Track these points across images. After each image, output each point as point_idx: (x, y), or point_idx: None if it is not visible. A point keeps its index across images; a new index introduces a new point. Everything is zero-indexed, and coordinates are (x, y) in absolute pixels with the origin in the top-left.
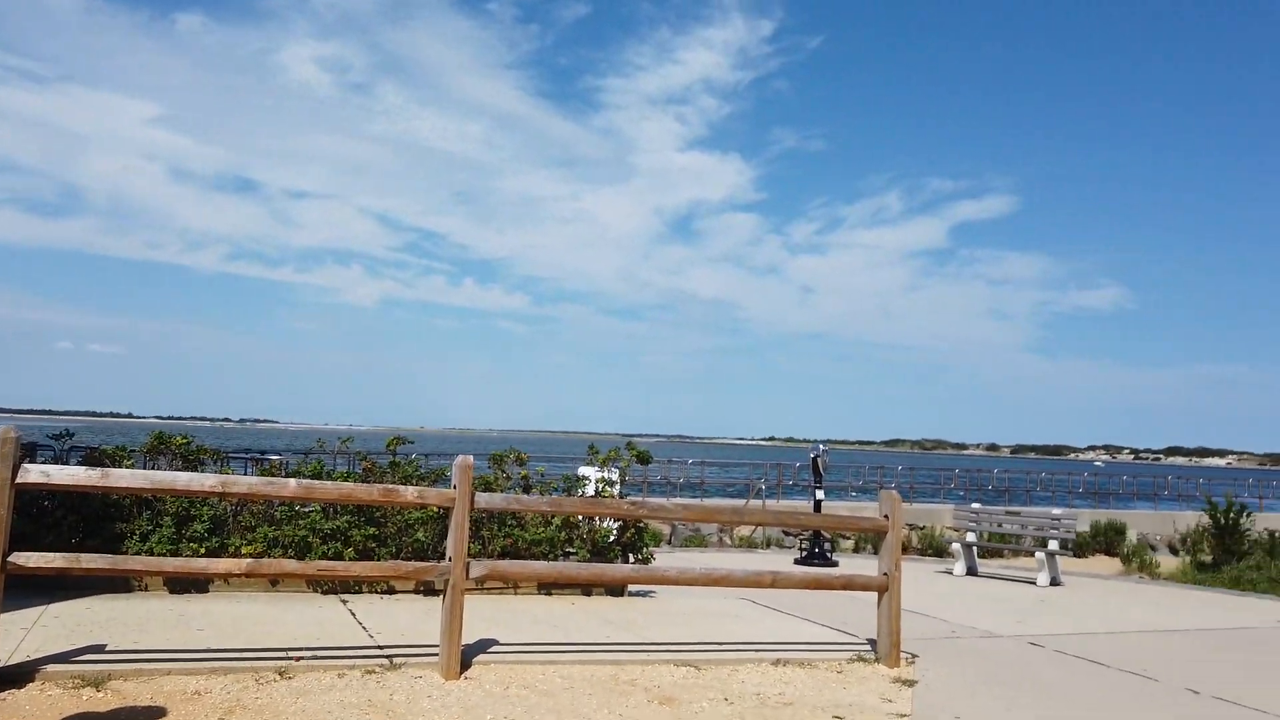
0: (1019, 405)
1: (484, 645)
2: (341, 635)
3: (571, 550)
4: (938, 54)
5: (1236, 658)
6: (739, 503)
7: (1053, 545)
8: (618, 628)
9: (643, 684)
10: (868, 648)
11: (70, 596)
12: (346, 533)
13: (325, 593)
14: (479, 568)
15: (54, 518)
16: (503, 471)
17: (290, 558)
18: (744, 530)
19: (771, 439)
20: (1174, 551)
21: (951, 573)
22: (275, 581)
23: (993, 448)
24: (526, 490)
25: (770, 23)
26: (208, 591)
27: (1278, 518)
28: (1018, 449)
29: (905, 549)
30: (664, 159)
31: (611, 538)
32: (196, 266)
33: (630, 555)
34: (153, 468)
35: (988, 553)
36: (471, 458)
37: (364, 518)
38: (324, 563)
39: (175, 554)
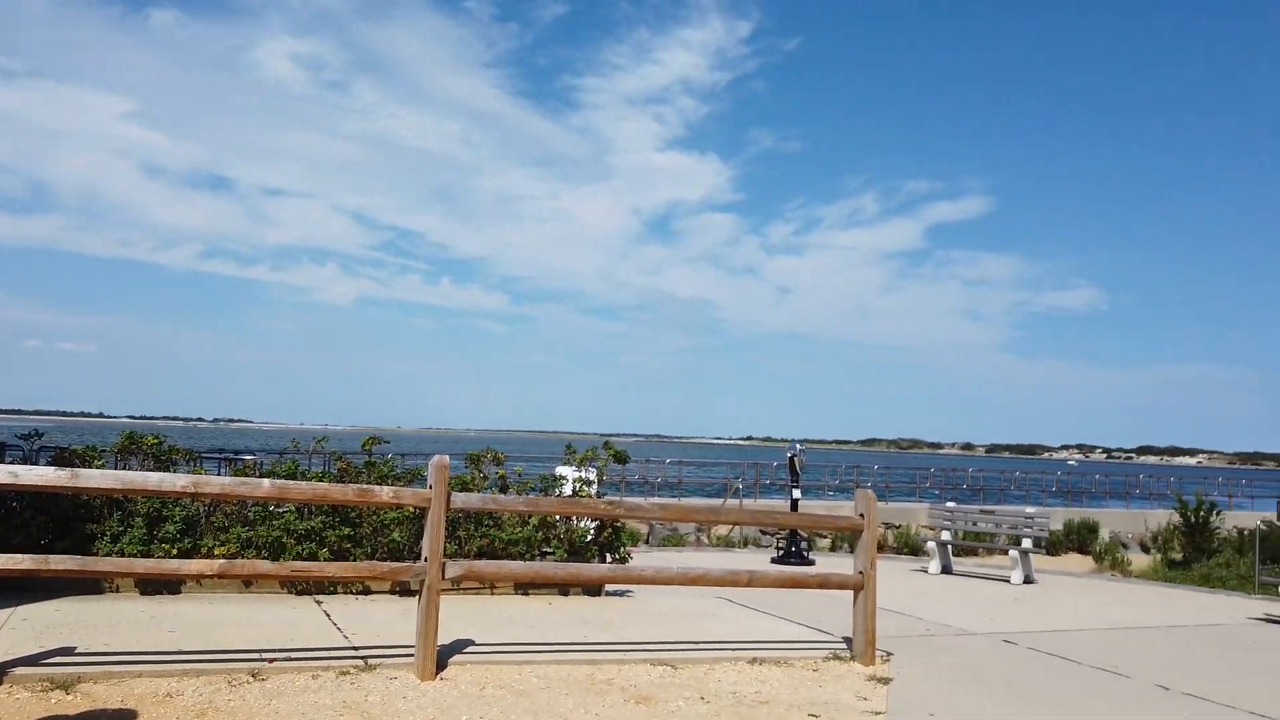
0: (994, 405)
1: (460, 645)
2: (316, 636)
3: (549, 550)
4: (914, 57)
5: (1206, 654)
6: (716, 502)
7: (1026, 544)
8: (595, 627)
9: (619, 683)
10: (843, 646)
11: (39, 598)
12: (321, 533)
13: (300, 593)
14: (455, 568)
15: (22, 518)
16: (480, 471)
17: (264, 558)
18: (721, 530)
19: (749, 438)
20: (1145, 549)
21: (927, 571)
22: (249, 583)
23: (968, 447)
24: (504, 490)
25: (748, 24)
26: (180, 593)
27: (1247, 516)
28: (993, 448)
29: (881, 548)
30: (642, 159)
31: (589, 537)
32: (169, 264)
33: (608, 555)
34: (124, 468)
35: (962, 551)
36: (448, 457)
37: (339, 518)
38: (298, 563)
39: (147, 555)
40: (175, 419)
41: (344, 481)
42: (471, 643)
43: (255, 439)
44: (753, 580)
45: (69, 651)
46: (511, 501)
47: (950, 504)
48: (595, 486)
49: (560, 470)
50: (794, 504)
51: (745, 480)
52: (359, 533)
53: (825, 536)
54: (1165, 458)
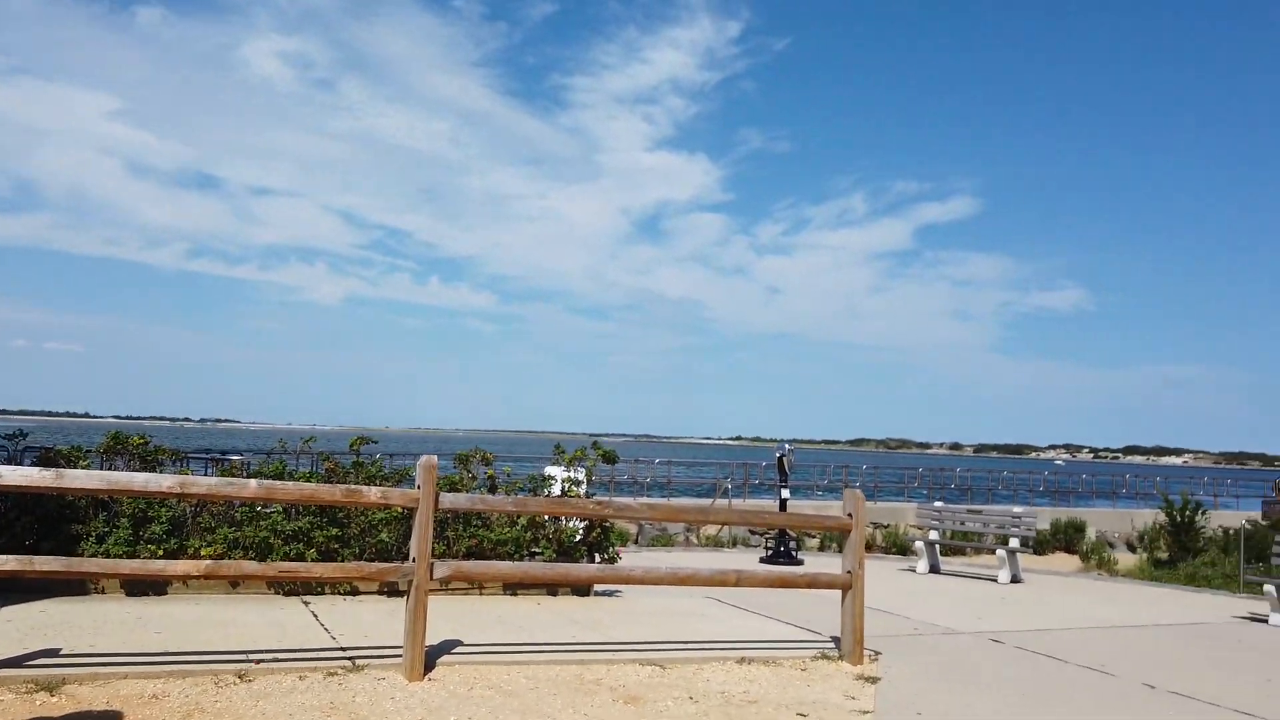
0: (982, 405)
1: (448, 646)
2: (303, 637)
3: (537, 550)
4: (903, 57)
5: (1193, 653)
6: (705, 502)
7: (1014, 543)
8: (583, 627)
9: (608, 683)
10: (832, 645)
11: (24, 599)
12: (309, 534)
13: (287, 594)
14: (443, 568)
15: (7, 519)
16: (468, 471)
17: (251, 559)
18: (710, 529)
19: (738, 438)
20: (1132, 549)
21: (915, 570)
22: (236, 583)
23: (956, 447)
24: (492, 490)
25: (737, 24)
26: (166, 594)
27: (1232, 515)
28: (980, 448)
29: (869, 547)
30: (631, 159)
31: (578, 537)
32: (156, 264)
33: (596, 555)
34: (109, 468)
35: (950, 550)
36: (436, 458)
37: (327, 518)
38: (285, 564)
39: (132, 556)
40: (162, 419)
41: (332, 482)
42: (460, 643)
43: (242, 439)
44: (741, 580)
45: (54, 653)
46: (500, 502)
47: (938, 504)
48: (584, 486)
49: (549, 470)
50: (783, 504)
51: (734, 480)
52: (347, 533)
53: (814, 536)
54: (1151, 458)
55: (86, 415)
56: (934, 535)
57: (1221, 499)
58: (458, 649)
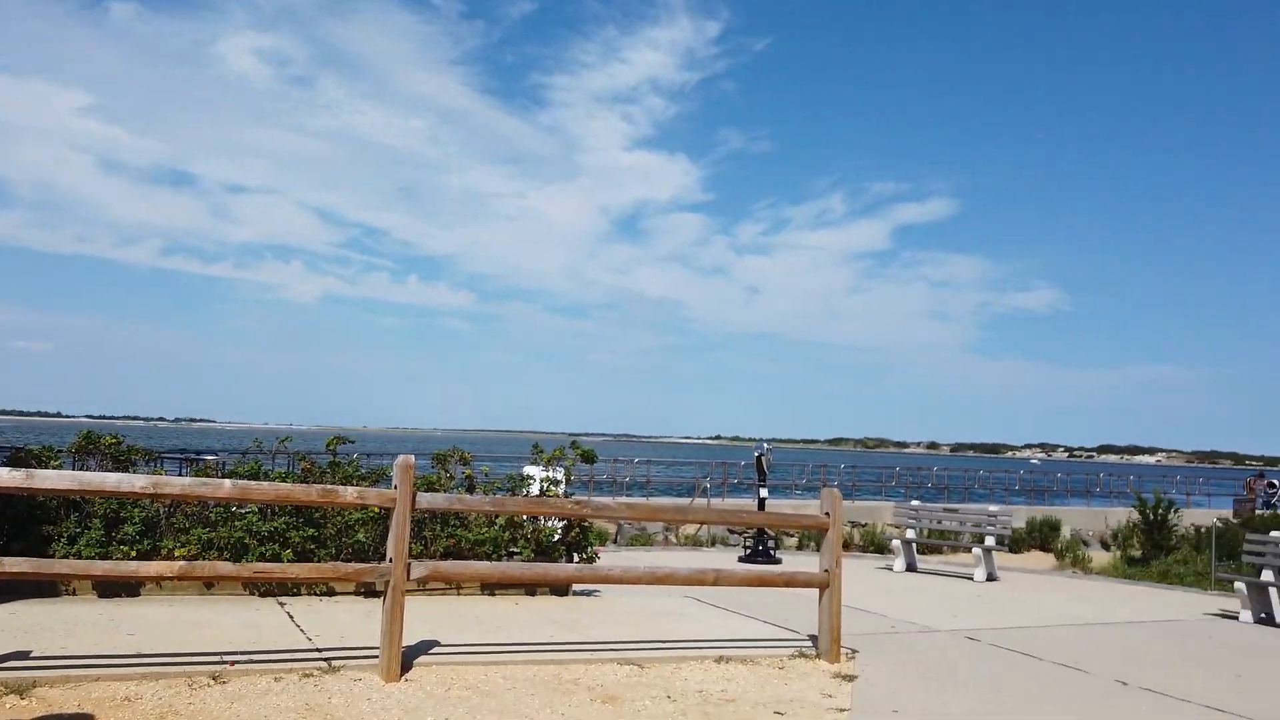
0: (959, 404)
1: (426, 646)
2: (279, 638)
3: (516, 550)
4: (881, 59)
5: (1165, 649)
6: (684, 501)
7: (989, 541)
8: (561, 627)
9: (586, 683)
10: (809, 644)
11: None
12: (285, 534)
13: (263, 595)
14: (420, 569)
15: None
16: (446, 471)
17: (226, 560)
18: (689, 529)
19: (718, 438)
20: (1106, 547)
21: (892, 569)
22: (210, 585)
23: (933, 446)
24: (470, 490)
25: (717, 24)
26: (139, 595)
27: (1204, 514)
28: (957, 447)
29: (847, 546)
30: (611, 158)
31: (556, 537)
32: (130, 261)
33: (575, 555)
34: (81, 468)
35: (927, 549)
36: (413, 457)
37: (303, 519)
38: (261, 565)
39: (105, 557)
40: (135, 419)
41: (308, 482)
42: (437, 643)
43: (218, 439)
44: (719, 579)
45: (24, 655)
46: (478, 501)
47: (915, 502)
48: (563, 486)
49: (527, 470)
50: (761, 503)
51: (713, 480)
52: (323, 533)
53: (793, 535)
54: (1125, 456)
55: (59, 415)
56: (911, 534)
57: (1194, 497)
58: (435, 649)
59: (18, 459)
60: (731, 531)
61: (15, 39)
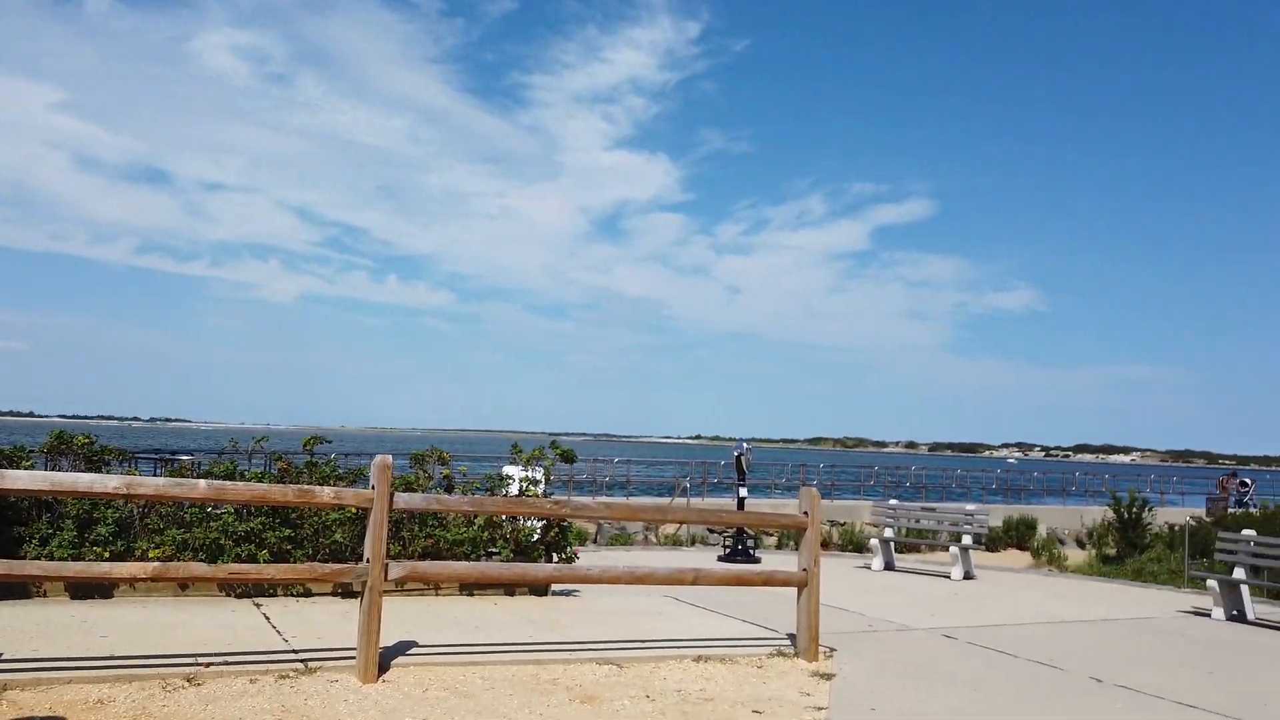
0: (937, 404)
1: (403, 647)
2: (254, 640)
3: (495, 550)
4: (860, 60)
5: (1139, 647)
6: (663, 501)
7: (967, 540)
8: (540, 627)
9: (564, 683)
10: (787, 643)
11: None
12: (261, 535)
13: (239, 596)
14: (398, 569)
15: None
16: (424, 471)
17: (201, 561)
18: (669, 528)
19: (698, 437)
20: (1081, 545)
21: (870, 568)
22: (185, 586)
23: (911, 445)
24: (449, 490)
25: (697, 25)
26: (112, 597)
27: (1178, 512)
28: (935, 446)
29: (826, 545)
30: (591, 158)
31: (535, 537)
32: (104, 260)
33: (554, 555)
34: (54, 469)
35: (905, 548)
36: (390, 457)
37: (279, 519)
38: (236, 566)
39: (77, 558)
40: (110, 418)
41: (284, 482)
42: (415, 644)
43: (193, 439)
44: (699, 579)
45: None
46: (456, 502)
47: (893, 501)
48: (542, 486)
49: (506, 470)
50: (740, 502)
51: (693, 479)
52: (300, 534)
53: (772, 534)
54: (1101, 456)
55: (31, 414)
56: (889, 533)
57: (1168, 496)
58: (413, 650)
59: None
60: (711, 531)
61: None
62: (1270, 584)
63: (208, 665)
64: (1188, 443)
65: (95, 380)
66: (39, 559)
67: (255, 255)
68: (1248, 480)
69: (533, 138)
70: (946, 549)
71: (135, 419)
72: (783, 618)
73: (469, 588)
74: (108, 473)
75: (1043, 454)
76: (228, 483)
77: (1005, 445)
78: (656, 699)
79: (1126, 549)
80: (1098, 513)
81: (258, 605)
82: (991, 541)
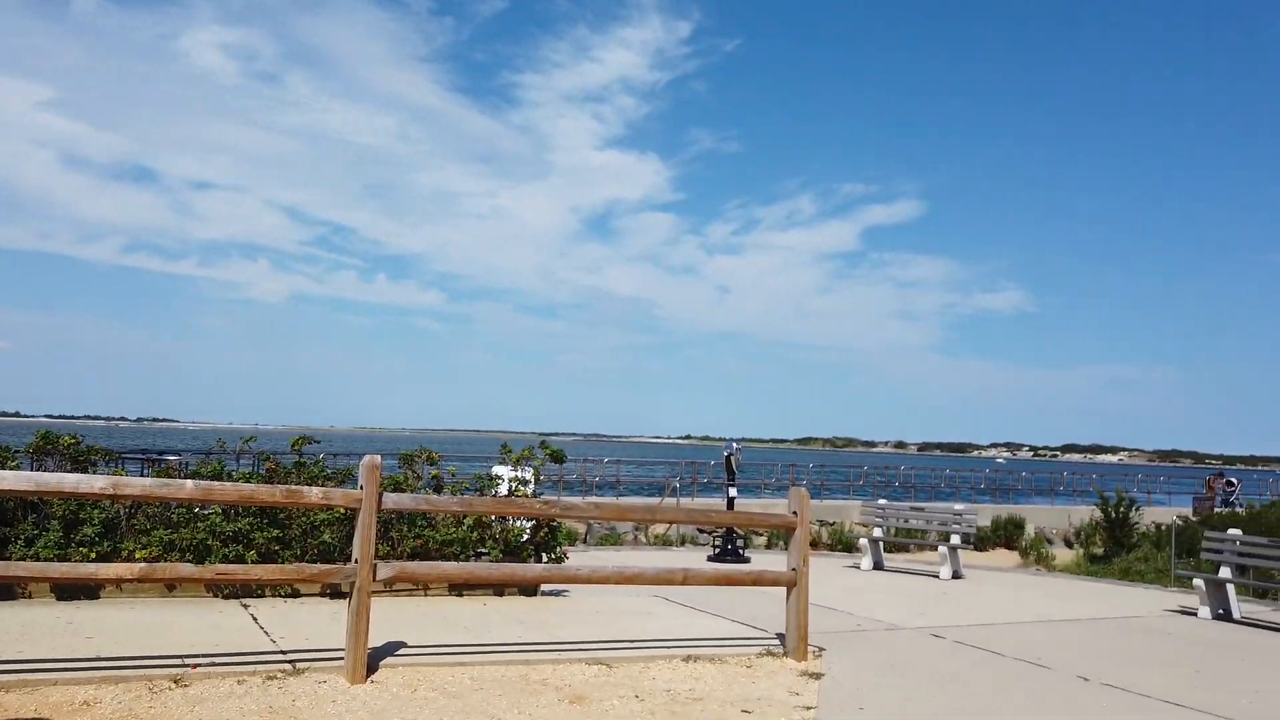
0: (926, 404)
1: (392, 648)
2: (242, 641)
3: (484, 550)
4: (850, 61)
5: (1125, 645)
6: (653, 501)
7: (955, 540)
8: (529, 628)
9: (554, 683)
10: (776, 642)
11: None
12: (248, 535)
13: (226, 597)
14: (386, 569)
15: None
16: (413, 471)
17: (188, 561)
18: (658, 528)
19: (688, 437)
20: (1069, 544)
21: (859, 567)
22: (172, 587)
23: (900, 445)
24: (438, 490)
25: (687, 24)
26: (99, 598)
27: (1164, 511)
28: (924, 446)
29: (815, 545)
30: (581, 157)
31: (524, 537)
32: (91, 259)
33: (544, 555)
34: (39, 469)
35: (894, 547)
36: (379, 457)
37: (267, 520)
38: (223, 566)
39: (63, 559)
40: (96, 419)
41: (272, 482)
42: (404, 645)
43: (181, 439)
44: (688, 578)
45: None
46: (445, 502)
47: (882, 501)
48: (531, 486)
49: (496, 470)
50: (730, 502)
51: (683, 479)
52: (288, 534)
53: (762, 534)
54: (1088, 455)
55: (17, 414)
56: (878, 532)
57: (1155, 496)
58: (401, 651)
59: None
60: (701, 531)
61: None
62: (1256, 583)
63: (195, 667)
64: (1174, 443)
65: (82, 380)
66: (24, 560)
67: (244, 254)
68: (1234, 480)
69: (523, 137)
70: (935, 548)
71: (122, 419)
72: (772, 617)
73: (458, 588)
74: (94, 473)
75: (1031, 454)
76: (215, 483)
77: (994, 445)
78: (646, 699)
79: (1114, 548)
80: (1085, 512)
81: (245, 606)
82: (980, 541)
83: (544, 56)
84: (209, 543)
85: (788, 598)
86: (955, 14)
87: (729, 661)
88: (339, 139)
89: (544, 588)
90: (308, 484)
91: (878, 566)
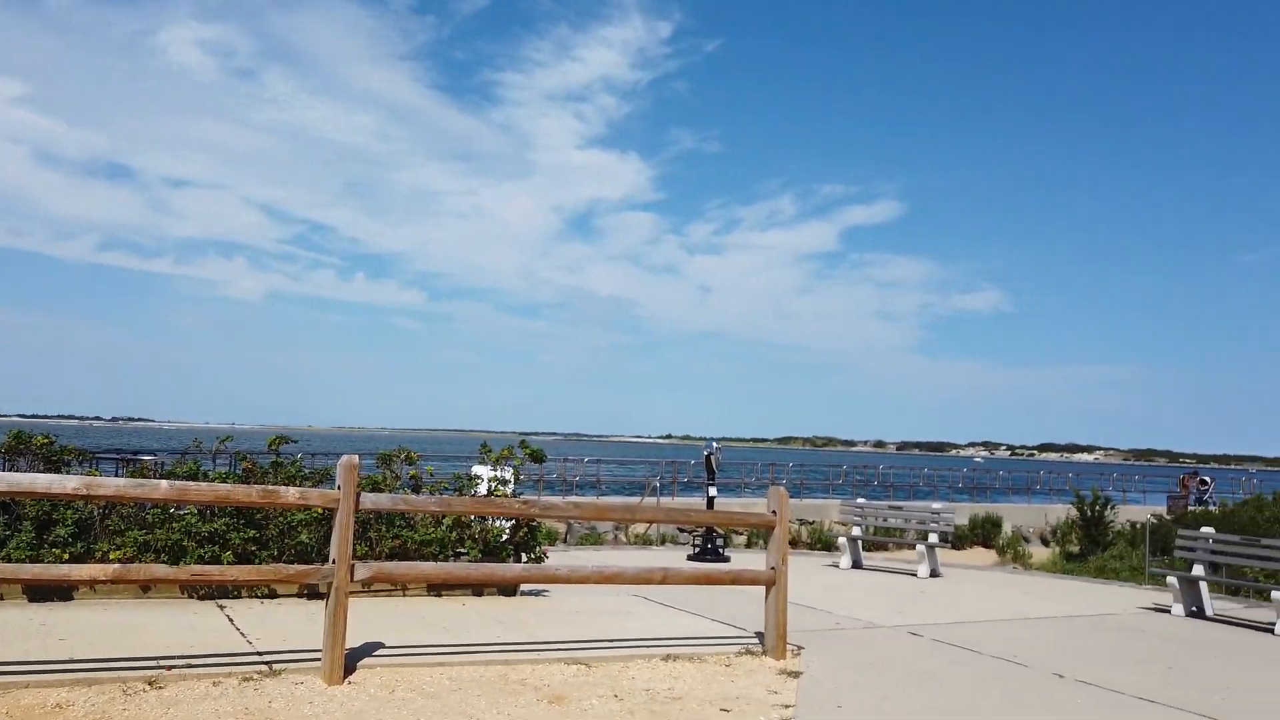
0: (905, 403)
1: (370, 649)
2: (218, 642)
3: (463, 550)
4: (830, 62)
5: (1100, 643)
6: (632, 500)
7: (933, 538)
8: (508, 628)
9: (533, 683)
10: (755, 641)
11: None
12: (225, 536)
13: (202, 598)
14: (364, 570)
15: None
16: (391, 471)
17: (163, 563)
18: (639, 528)
19: (669, 437)
20: (1045, 543)
21: (838, 566)
22: (147, 588)
23: (880, 444)
24: (416, 490)
25: (668, 24)
26: (72, 599)
27: (1139, 510)
28: (903, 445)
29: (795, 544)
30: (563, 156)
31: (504, 537)
32: (65, 256)
33: (523, 555)
34: (11, 469)
35: (873, 546)
36: (357, 457)
37: (244, 520)
38: (199, 567)
39: (35, 560)
40: (70, 418)
41: (249, 482)
42: (381, 645)
43: (156, 438)
44: (667, 578)
45: None
46: (423, 501)
47: (861, 500)
48: (511, 486)
49: (475, 469)
50: (710, 501)
51: (663, 478)
52: (265, 535)
53: (742, 534)
54: (1065, 454)
55: None
56: (857, 531)
57: (1130, 494)
58: (379, 651)
59: None
60: (681, 530)
61: None
62: (1229, 580)
63: (170, 668)
64: (1149, 442)
65: (55, 379)
66: None
67: (220, 253)
68: (1208, 479)
69: (504, 136)
70: (913, 547)
71: (97, 418)
72: (751, 616)
73: (437, 588)
74: (67, 473)
75: (1009, 453)
76: (190, 483)
77: (972, 444)
78: (625, 698)
79: (1089, 546)
80: (1061, 511)
81: (221, 607)
82: (958, 539)
83: (525, 55)
84: (184, 543)
85: (767, 596)
86: (935, 16)
87: (708, 660)
88: (318, 137)
89: (523, 588)
90: (285, 484)
91: (856, 565)
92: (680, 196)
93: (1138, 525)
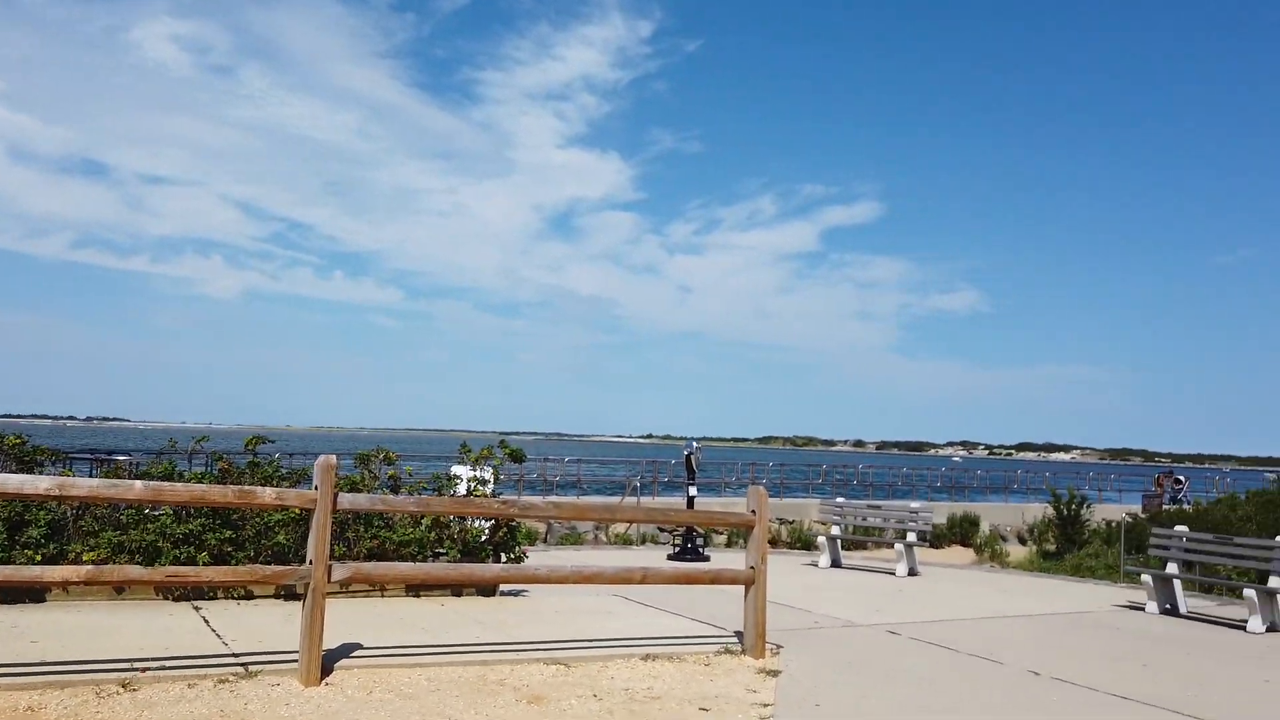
0: (884, 403)
1: (347, 650)
2: (193, 644)
3: (442, 551)
4: (810, 62)
5: (1076, 640)
6: (613, 500)
7: (911, 537)
8: (487, 628)
9: (511, 683)
10: (734, 640)
11: None
12: (200, 536)
13: (177, 600)
14: (341, 570)
15: None
16: (370, 471)
17: (138, 563)
18: (619, 527)
19: (649, 436)
20: (1022, 541)
21: (817, 565)
22: (121, 589)
23: (859, 444)
24: (395, 490)
25: (649, 24)
26: (44, 601)
27: (1114, 509)
28: (882, 445)
29: (775, 543)
30: (543, 155)
31: (483, 537)
32: (38, 254)
33: (503, 555)
34: None
35: (852, 545)
36: (334, 457)
37: (220, 521)
38: (174, 568)
39: (7, 561)
40: (44, 417)
41: (225, 483)
42: (359, 646)
43: (132, 438)
44: (647, 577)
45: None
46: (402, 502)
47: (840, 500)
48: (491, 486)
49: (454, 470)
50: (690, 501)
51: (644, 478)
52: (241, 535)
53: (722, 533)
54: (1042, 454)
55: None
56: (836, 530)
57: (1106, 493)
58: (357, 652)
59: None
60: (661, 530)
61: None
62: (1202, 578)
63: (144, 670)
64: (1125, 441)
65: (29, 378)
66: None
67: (197, 251)
68: (1182, 478)
69: (484, 134)
70: (892, 546)
71: (71, 418)
72: (731, 615)
73: (415, 589)
74: (40, 473)
75: (987, 452)
76: (165, 483)
77: (950, 443)
78: (604, 698)
79: (1066, 545)
80: (1038, 510)
81: (197, 609)
82: (936, 538)
83: (506, 54)
84: (159, 544)
85: (746, 596)
86: (916, 17)
87: (687, 660)
88: (296, 134)
89: (503, 588)
90: (262, 484)
91: (835, 564)
92: (661, 196)
93: (1113, 524)
